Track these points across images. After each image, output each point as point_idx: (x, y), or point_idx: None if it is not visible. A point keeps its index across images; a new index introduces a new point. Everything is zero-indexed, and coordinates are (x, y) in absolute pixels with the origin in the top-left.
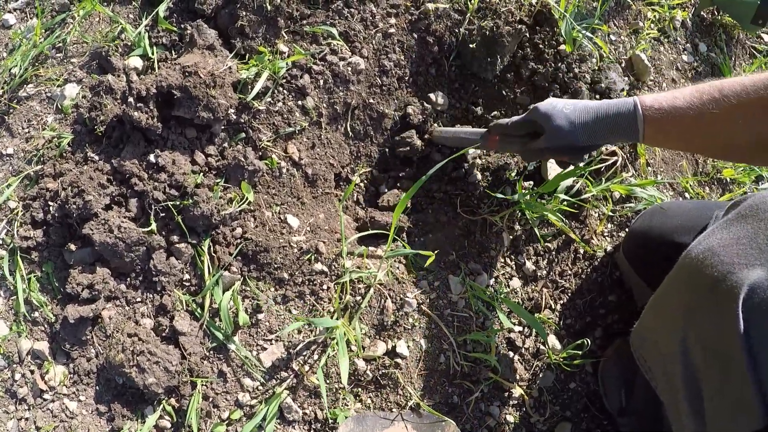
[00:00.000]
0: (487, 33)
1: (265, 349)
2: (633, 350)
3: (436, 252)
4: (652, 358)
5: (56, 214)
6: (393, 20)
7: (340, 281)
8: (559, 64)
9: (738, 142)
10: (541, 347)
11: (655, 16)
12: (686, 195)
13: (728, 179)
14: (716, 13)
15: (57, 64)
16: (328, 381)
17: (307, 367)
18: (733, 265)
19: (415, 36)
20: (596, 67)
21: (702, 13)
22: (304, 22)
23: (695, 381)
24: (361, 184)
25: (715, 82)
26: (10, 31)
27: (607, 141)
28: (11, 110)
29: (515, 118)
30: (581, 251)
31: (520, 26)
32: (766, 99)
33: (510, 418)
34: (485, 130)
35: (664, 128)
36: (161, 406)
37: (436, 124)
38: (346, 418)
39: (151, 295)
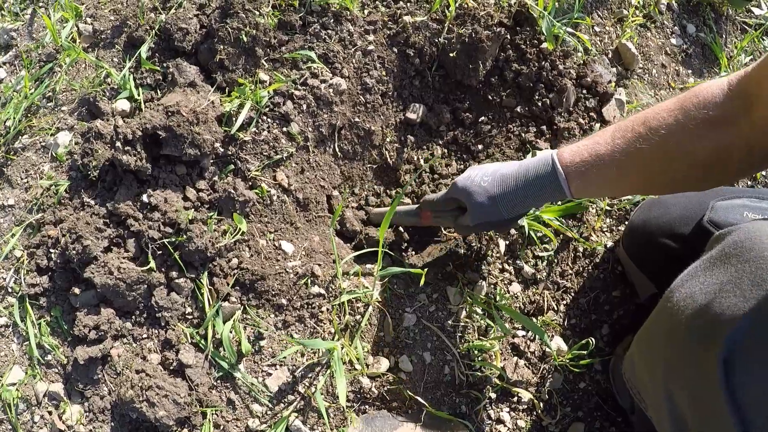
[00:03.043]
0: (467, 39)
1: (270, 374)
2: (625, 379)
3: (426, 270)
4: (643, 391)
5: (58, 260)
6: (371, 37)
7: (335, 302)
8: (543, 63)
9: (679, 172)
10: (547, 350)
11: (639, 2)
12: None
13: None
14: None
15: (48, 113)
16: (334, 401)
17: (313, 389)
18: (714, 317)
19: (395, 50)
20: (581, 62)
21: None
22: (283, 48)
23: (683, 427)
24: (354, 204)
25: (637, 116)
26: (1, 84)
27: (535, 206)
28: (9, 162)
29: (441, 193)
30: (581, 249)
31: (499, 29)
32: (698, 119)
33: (522, 423)
34: (417, 206)
35: (592, 180)
36: None
37: (371, 207)
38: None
39: (156, 331)
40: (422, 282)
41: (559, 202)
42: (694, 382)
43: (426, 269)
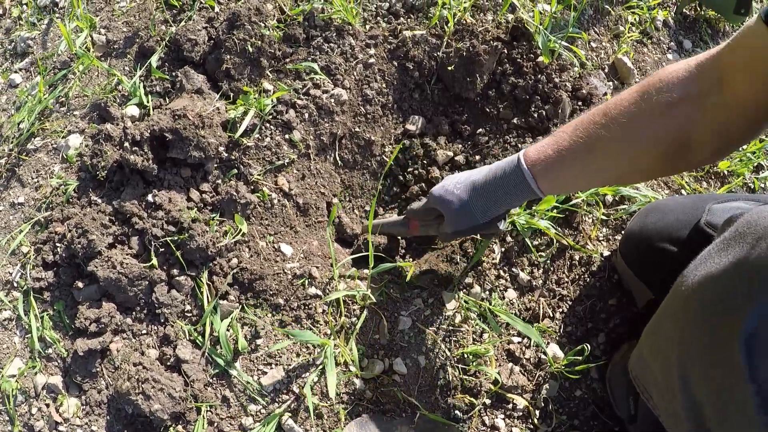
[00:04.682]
0: (465, 54)
1: (266, 373)
2: (632, 377)
3: (414, 262)
4: (652, 386)
5: (64, 255)
6: (372, 50)
7: (327, 299)
8: (539, 76)
9: (643, 160)
10: (542, 357)
11: (635, 19)
12: (683, 192)
13: (725, 171)
14: (698, 9)
15: (61, 117)
16: (327, 401)
17: (306, 389)
18: (732, 295)
19: (395, 64)
20: (577, 75)
21: (684, 10)
22: (287, 60)
23: (701, 417)
24: (356, 210)
25: (598, 107)
26: (17, 89)
27: (508, 207)
28: (21, 162)
29: (421, 202)
30: (577, 257)
31: (495, 43)
32: (660, 102)
33: (516, 431)
34: (404, 216)
35: (558, 176)
36: None
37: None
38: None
39: (155, 327)
40: (409, 275)
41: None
42: (714, 363)
43: (415, 265)
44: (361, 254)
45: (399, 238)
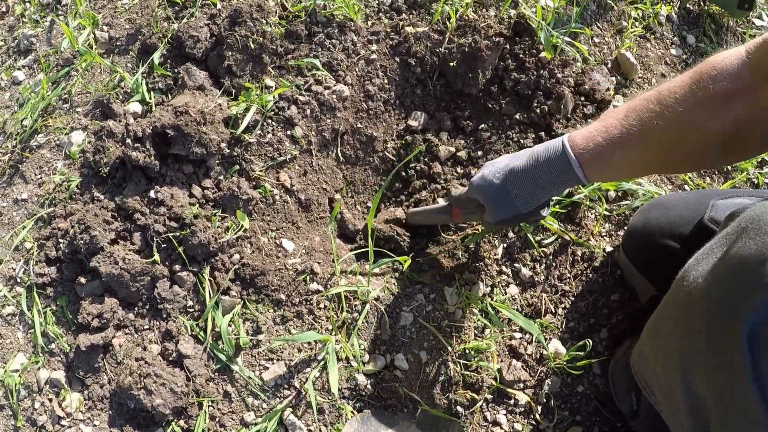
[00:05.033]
0: (467, 49)
1: (267, 368)
2: (634, 372)
3: (411, 255)
4: (654, 382)
5: (67, 251)
6: (374, 47)
7: (327, 293)
8: (541, 71)
9: (695, 148)
10: (544, 352)
11: (638, 14)
12: (686, 188)
13: (729, 167)
14: (702, 4)
15: (64, 114)
16: (329, 396)
17: (308, 384)
18: (735, 292)
19: (397, 59)
20: (580, 70)
21: (688, 5)
22: (289, 56)
23: (702, 415)
24: (358, 207)
25: (650, 93)
26: (20, 86)
27: (551, 195)
28: (24, 159)
29: (461, 189)
30: (579, 253)
31: (498, 39)
32: (716, 92)
33: (518, 426)
34: (447, 203)
35: (609, 165)
36: (170, 427)
37: (410, 207)
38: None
39: (157, 322)
40: (406, 266)
41: None
42: (717, 366)
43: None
44: (362, 249)
45: (401, 233)
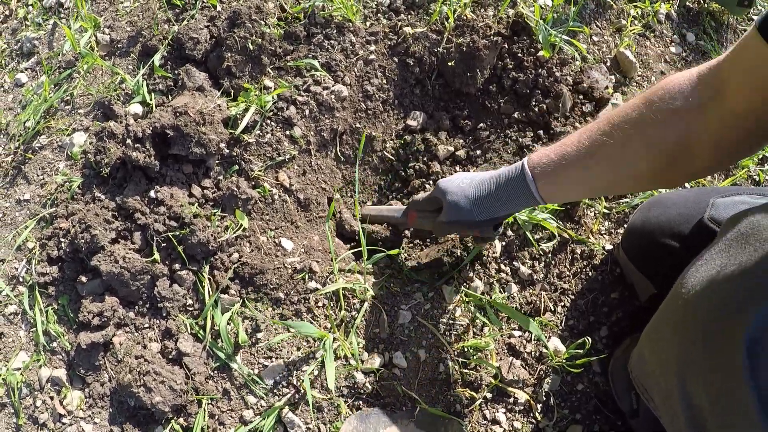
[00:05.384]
0: (465, 49)
1: (266, 366)
2: (632, 377)
3: (427, 263)
4: (653, 387)
5: (68, 250)
6: (373, 47)
7: (325, 290)
8: (540, 70)
9: (642, 166)
10: (544, 351)
11: (638, 12)
12: (686, 185)
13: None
14: (702, 1)
15: (66, 116)
16: (327, 394)
17: (306, 382)
18: (735, 300)
19: (396, 60)
20: (578, 69)
21: (687, 2)
22: (287, 57)
23: (700, 421)
24: (357, 205)
25: (603, 115)
26: (23, 88)
27: (507, 211)
28: (27, 160)
29: (425, 193)
30: (578, 251)
31: (495, 38)
32: (663, 110)
33: (518, 425)
34: (405, 207)
35: (558, 181)
36: (170, 425)
37: (369, 202)
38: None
39: (157, 321)
40: (401, 257)
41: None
42: (713, 368)
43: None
44: (360, 248)
45: (403, 231)
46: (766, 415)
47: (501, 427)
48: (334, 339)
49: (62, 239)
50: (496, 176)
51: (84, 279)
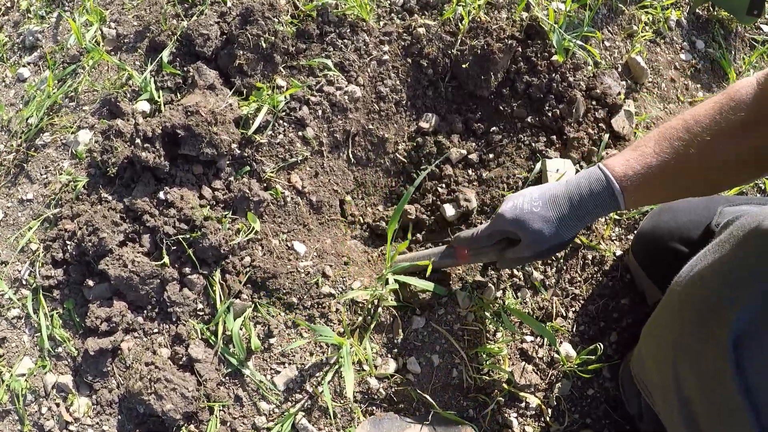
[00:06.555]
0: (479, 51)
1: (279, 372)
2: (633, 374)
3: (431, 264)
4: (651, 384)
5: (74, 253)
6: (386, 47)
7: (344, 298)
8: (553, 75)
9: (718, 174)
10: (555, 356)
11: (649, 19)
12: None
13: None
14: (711, 9)
15: (70, 113)
16: (342, 400)
17: (320, 388)
18: (722, 295)
19: (409, 61)
20: (591, 74)
21: (697, 10)
22: (300, 56)
23: (692, 415)
24: (368, 208)
25: (676, 123)
26: (26, 83)
27: (588, 223)
28: (30, 158)
29: (481, 228)
30: (590, 257)
31: (510, 42)
32: (736, 122)
33: (529, 429)
34: (446, 246)
35: (645, 190)
36: None
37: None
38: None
39: (167, 326)
40: (429, 272)
41: None
42: (704, 360)
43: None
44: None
45: (412, 233)
46: (746, 394)
47: (513, 431)
48: (350, 344)
49: (67, 241)
50: (575, 190)
51: (91, 283)
